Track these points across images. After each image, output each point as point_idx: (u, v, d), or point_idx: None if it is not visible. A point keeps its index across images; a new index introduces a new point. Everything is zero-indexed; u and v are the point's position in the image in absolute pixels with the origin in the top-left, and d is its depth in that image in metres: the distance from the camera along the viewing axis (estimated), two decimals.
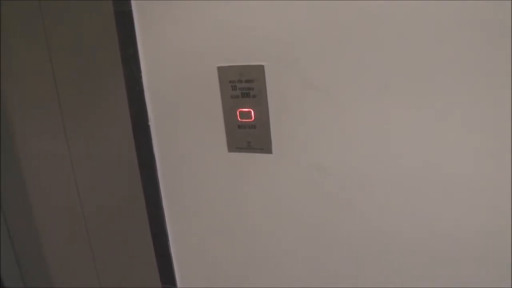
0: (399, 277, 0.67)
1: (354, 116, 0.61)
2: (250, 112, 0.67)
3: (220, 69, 0.67)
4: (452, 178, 0.59)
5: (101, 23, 0.81)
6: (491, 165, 0.57)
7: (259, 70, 0.64)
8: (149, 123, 0.75)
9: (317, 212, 0.68)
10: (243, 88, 0.66)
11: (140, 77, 0.73)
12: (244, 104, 0.67)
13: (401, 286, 0.67)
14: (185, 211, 0.79)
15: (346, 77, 0.60)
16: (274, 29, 0.62)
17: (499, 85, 0.53)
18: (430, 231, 0.62)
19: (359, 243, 0.67)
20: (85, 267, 1.09)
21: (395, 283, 0.67)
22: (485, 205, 0.58)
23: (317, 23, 0.59)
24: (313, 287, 0.73)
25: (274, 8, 0.61)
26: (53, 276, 1.16)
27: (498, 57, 0.52)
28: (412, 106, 0.58)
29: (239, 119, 0.68)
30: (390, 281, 0.67)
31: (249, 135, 0.68)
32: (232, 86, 0.67)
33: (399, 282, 0.67)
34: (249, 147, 0.69)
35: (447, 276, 0.63)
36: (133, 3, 0.69)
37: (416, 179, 0.61)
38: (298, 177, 0.68)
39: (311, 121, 0.64)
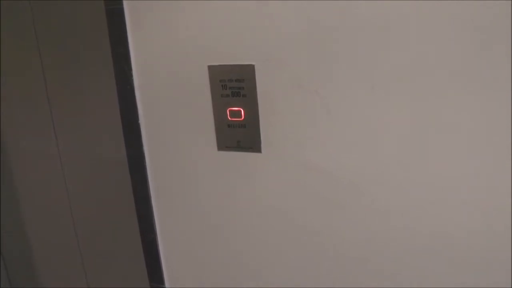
0: (393, 278, 0.67)
1: (344, 116, 0.62)
2: (240, 111, 0.67)
3: (211, 68, 0.67)
4: (445, 178, 0.59)
5: (92, 21, 0.80)
6: (483, 165, 0.57)
7: (250, 69, 0.65)
8: (139, 122, 0.75)
9: (306, 212, 0.69)
10: (234, 87, 0.67)
11: (131, 75, 0.73)
12: (234, 103, 0.67)
13: (395, 286, 0.67)
14: (174, 209, 0.79)
15: (336, 77, 0.60)
16: (265, 29, 0.62)
17: (493, 85, 0.54)
18: (424, 232, 0.62)
19: (350, 243, 0.67)
20: (72, 265, 1.08)
21: (388, 284, 0.67)
22: (484, 205, 0.58)
23: (307, 24, 0.60)
24: (303, 287, 0.73)
25: (265, 8, 0.61)
26: (40, 276, 1.15)
27: (491, 58, 0.53)
28: (402, 106, 0.58)
29: (229, 118, 0.68)
30: (383, 282, 0.67)
31: (239, 134, 0.68)
32: (222, 85, 0.67)
33: (393, 283, 0.67)
34: (238, 146, 0.69)
35: (445, 277, 0.63)
36: (124, 2, 0.69)
37: (406, 179, 0.61)
38: (287, 177, 0.68)
39: (300, 121, 0.64)
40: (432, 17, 0.54)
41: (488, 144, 0.56)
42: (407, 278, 0.66)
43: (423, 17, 0.54)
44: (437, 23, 0.54)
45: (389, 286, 0.67)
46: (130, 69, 0.72)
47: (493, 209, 0.58)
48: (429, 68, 0.56)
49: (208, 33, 0.66)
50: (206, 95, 0.69)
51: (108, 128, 0.87)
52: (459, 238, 0.61)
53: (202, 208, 0.76)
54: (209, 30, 0.65)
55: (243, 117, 0.67)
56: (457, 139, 0.57)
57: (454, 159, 0.58)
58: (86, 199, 0.99)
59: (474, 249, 0.60)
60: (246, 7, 0.62)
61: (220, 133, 0.70)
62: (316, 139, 0.64)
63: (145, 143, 0.76)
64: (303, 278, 0.73)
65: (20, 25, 0.91)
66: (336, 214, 0.67)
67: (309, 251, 0.71)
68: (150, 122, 0.75)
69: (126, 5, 0.69)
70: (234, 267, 0.78)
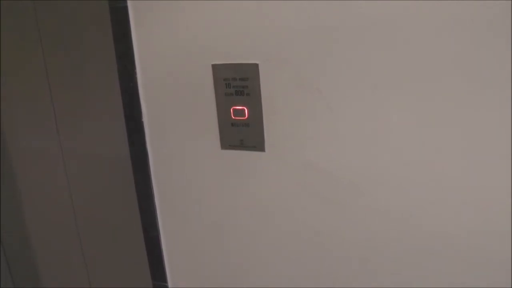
0: (393, 278, 0.67)
1: (347, 116, 0.62)
2: (243, 110, 0.68)
3: (215, 67, 0.67)
4: (446, 178, 0.59)
5: (96, 19, 0.80)
6: (483, 165, 0.57)
7: (254, 68, 0.65)
8: (143, 120, 0.75)
9: (308, 211, 0.69)
10: (237, 86, 0.67)
11: (134, 73, 0.73)
12: (238, 102, 0.67)
13: (395, 286, 0.67)
14: (177, 208, 0.79)
15: (339, 77, 0.61)
16: (269, 28, 0.62)
17: (493, 85, 0.54)
18: (424, 232, 0.63)
19: (350, 243, 0.68)
20: (75, 264, 1.08)
21: (388, 284, 0.67)
22: (484, 205, 0.58)
23: (310, 23, 0.60)
24: (305, 287, 0.74)
25: (269, 8, 0.61)
26: (43, 274, 1.15)
27: (491, 58, 0.53)
28: (403, 106, 0.59)
29: (233, 117, 0.68)
30: (383, 282, 0.67)
31: (242, 133, 0.69)
32: (226, 83, 0.67)
33: (393, 283, 0.67)
34: (242, 145, 0.69)
35: (445, 277, 0.63)
36: (128, 0, 0.69)
37: (407, 179, 0.61)
38: (291, 176, 0.68)
39: (304, 120, 0.64)
40: (432, 16, 0.54)
41: (488, 144, 0.56)
42: (407, 278, 0.66)
43: (424, 17, 0.54)
44: (438, 23, 0.54)
45: (389, 286, 0.67)
46: (133, 67, 0.72)
47: (493, 209, 0.58)
48: (430, 67, 0.56)
49: (212, 32, 0.66)
50: (210, 94, 0.69)
51: (111, 126, 0.87)
52: (459, 238, 0.61)
53: (205, 206, 0.76)
54: (213, 28, 0.65)
55: (246, 116, 0.68)
56: (457, 139, 0.57)
57: (455, 159, 0.58)
58: (89, 197, 0.99)
59: (474, 249, 0.61)
60: (250, 6, 0.62)
61: (224, 132, 0.70)
62: (319, 139, 0.64)
63: (148, 141, 0.76)
64: (303, 277, 0.73)
65: (23, 23, 0.90)
66: (337, 213, 0.67)
67: (310, 250, 0.71)
68: (154, 120, 0.75)
69: (130, 3, 0.69)
70: (236, 265, 0.78)
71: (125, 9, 0.70)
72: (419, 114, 0.58)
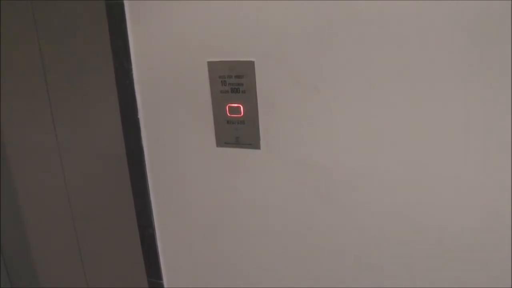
0: (392, 277, 0.67)
1: (343, 114, 0.62)
2: (239, 107, 0.67)
3: (210, 64, 0.67)
4: (445, 178, 0.59)
5: (92, 15, 0.80)
6: (483, 165, 0.57)
7: (249, 66, 0.65)
8: (139, 116, 0.75)
9: (304, 209, 0.69)
10: (233, 83, 0.67)
11: (130, 70, 0.73)
12: (234, 99, 0.67)
13: (394, 286, 0.67)
14: (172, 205, 0.79)
15: (335, 75, 0.60)
16: (265, 25, 0.62)
17: (493, 85, 0.54)
18: (424, 231, 0.62)
19: (349, 242, 0.67)
20: (71, 260, 1.08)
21: (388, 284, 0.67)
22: (484, 205, 0.58)
23: (307, 21, 0.60)
24: (301, 286, 0.73)
25: (265, 5, 0.61)
26: (39, 273, 1.15)
27: (491, 56, 0.53)
28: (400, 105, 0.58)
29: (228, 114, 0.68)
30: (383, 281, 0.67)
31: (238, 130, 0.68)
32: (222, 81, 0.67)
33: (392, 283, 0.67)
34: (237, 142, 0.69)
35: (444, 277, 0.63)
36: None
37: (403, 177, 0.61)
38: (286, 173, 0.68)
39: (299, 118, 0.64)
40: (432, 15, 0.54)
41: (488, 143, 0.56)
42: (406, 277, 0.66)
43: (423, 15, 0.54)
44: (437, 21, 0.54)
45: (389, 286, 0.67)
46: (129, 64, 0.72)
47: (493, 209, 0.58)
48: (429, 67, 0.56)
49: (208, 29, 0.65)
50: (206, 91, 0.69)
51: (107, 123, 0.87)
52: (459, 238, 0.61)
53: (200, 203, 0.76)
54: (209, 26, 0.65)
55: (242, 114, 0.67)
56: (457, 139, 0.57)
57: (454, 158, 0.58)
58: (85, 193, 0.99)
59: (474, 249, 0.60)
60: (246, 3, 0.62)
61: (219, 129, 0.70)
62: (315, 136, 0.64)
63: (144, 138, 0.76)
64: (299, 275, 0.73)
65: (21, 19, 0.91)
66: (334, 212, 0.67)
67: (306, 248, 0.71)
68: (149, 117, 0.75)
69: (126, 1, 0.69)
70: (231, 263, 0.78)
71: (121, 6, 0.70)
72: (418, 113, 0.58)
